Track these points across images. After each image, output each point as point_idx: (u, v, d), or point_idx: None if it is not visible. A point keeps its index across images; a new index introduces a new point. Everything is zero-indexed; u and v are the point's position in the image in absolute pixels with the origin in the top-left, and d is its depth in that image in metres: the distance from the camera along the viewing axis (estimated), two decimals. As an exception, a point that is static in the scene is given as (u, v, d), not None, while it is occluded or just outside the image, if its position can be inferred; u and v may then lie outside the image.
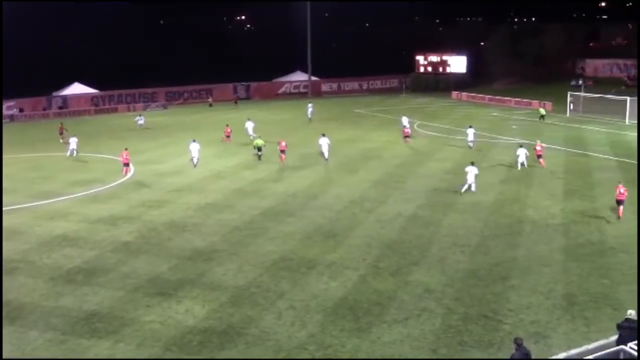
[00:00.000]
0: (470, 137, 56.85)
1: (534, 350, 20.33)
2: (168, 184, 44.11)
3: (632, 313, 20.23)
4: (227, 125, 60.26)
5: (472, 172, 41.73)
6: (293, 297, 25.64)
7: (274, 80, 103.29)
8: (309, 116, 74.02)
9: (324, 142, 50.94)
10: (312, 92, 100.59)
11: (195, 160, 49.45)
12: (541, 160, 48.72)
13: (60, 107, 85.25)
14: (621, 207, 36.54)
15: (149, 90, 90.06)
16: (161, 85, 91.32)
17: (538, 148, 49.18)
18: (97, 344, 21.99)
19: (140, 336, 22.52)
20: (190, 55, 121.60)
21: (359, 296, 25.74)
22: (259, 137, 53.21)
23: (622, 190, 36.70)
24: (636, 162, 49.57)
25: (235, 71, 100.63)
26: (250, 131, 58.81)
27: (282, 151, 49.98)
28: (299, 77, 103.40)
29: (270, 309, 24.61)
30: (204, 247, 31.30)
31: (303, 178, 45.21)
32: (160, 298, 25.57)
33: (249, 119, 61.08)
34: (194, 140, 50.58)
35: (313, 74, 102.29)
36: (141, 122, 68.65)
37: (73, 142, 54.46)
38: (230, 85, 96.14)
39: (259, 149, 51.23)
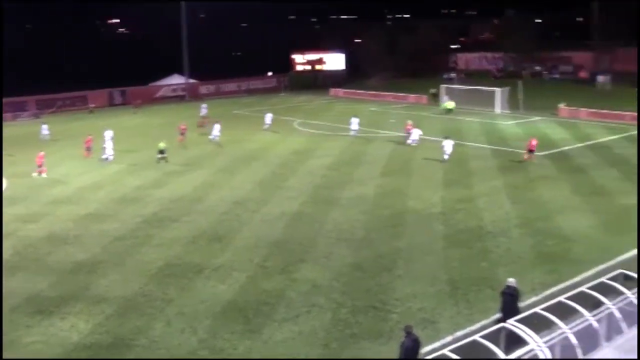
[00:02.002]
0: (354, 127, 59.76)
1: (422, 336, 20.87)
2: (45, 196, 42.39)
3: (511, 281, 22.17)
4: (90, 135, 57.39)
5: (448, 144, 48.74)
6: (181, 303, 25.31)
7: (151, 85, 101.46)
8: (204, 113, 74.22)
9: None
10: (190, 95, 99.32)
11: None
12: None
13: None
14: (532, 154, 48.14)
15: (18, 100, 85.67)
16: (31, 93, 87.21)
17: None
18: (-25, 370, 21.02)
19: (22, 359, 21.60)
20: (63, 61, 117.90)
21: (248, 297, 25.69)
22: (163, 141, 52.22)
23: (534, 143, 48.82)
24: (508, 149, 51.67)
25: (110, 76, 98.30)
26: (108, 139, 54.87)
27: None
28: (176, 80, 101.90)
29: (158, 317, 24.19)
30: (86, 260, 30.32)
31: (186, 182, 44.55)
32: (41, 316, 24.44)
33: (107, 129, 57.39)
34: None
35: (191, 76, 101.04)
36: (46, 132, 64.05)
37: None
38: (106, 91, 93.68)
39: (162, 152, 50.30)
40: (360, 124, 61.39)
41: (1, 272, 28.04)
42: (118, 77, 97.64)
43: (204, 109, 75.19)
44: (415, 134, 53.71)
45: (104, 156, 51.61)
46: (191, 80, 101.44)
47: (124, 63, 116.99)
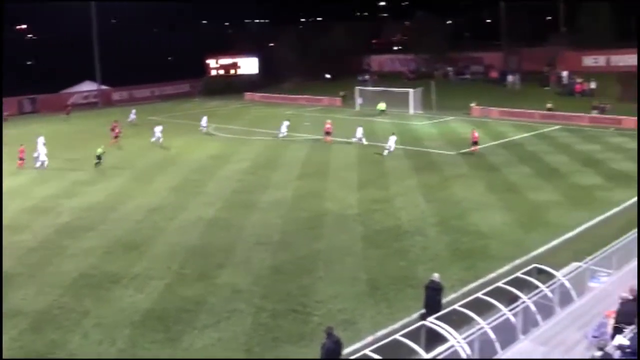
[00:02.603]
0: (283, 129, 61.23)
1: (343, 337, 20.91)
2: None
3: (435, 276, 22.59)
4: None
5: (392, 139, 51.95)
6: (98, 314, 24.72)
7: (62, 92, 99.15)
8: (132, 119, 74.43)
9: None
10: (103, 102, 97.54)
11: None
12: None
13: None
14: (476, 146, 51.62)
15: None
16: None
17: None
18: None
19: None
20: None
21: (167, 305, 25.30)
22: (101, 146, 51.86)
23: (476, 134, 52.54)
24: (422, 149, 52.51)
25: (19, 84, 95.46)
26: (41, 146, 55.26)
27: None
28: (88, 87, 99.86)
29: (75, 329, 23.55)
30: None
31: (99, 191, 43.62)
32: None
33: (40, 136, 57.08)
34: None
35: (103, 83, 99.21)
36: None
37: None
38: (15, 100, 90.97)
39: (99, 157, 50.43)
40: (288, 127, 62.13)
41: (1, 273, 27.45)
42: (27, 85, 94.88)
43: (132, 114, 74.60)
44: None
45: (37, 164, 50.94)
46: (103, 87, 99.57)
47: (33, 70, 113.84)
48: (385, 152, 51.28)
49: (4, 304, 25.84)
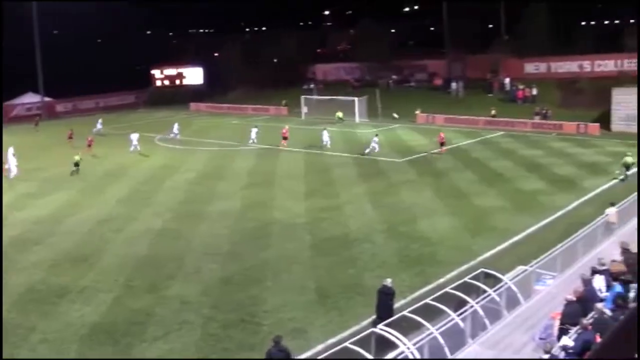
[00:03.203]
0: (253, 136, 61.45)
1: (294, 345, 21.04)
2: None
3: (388, 281, 23.10)
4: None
5: (375, 140, 54.73)
6: (45, 329, 24.35)
7: (4, 104, 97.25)
8: (99, 129, 72.86)
9: None
10: (46, 114, 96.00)
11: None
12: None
13: None
14: (442, 147, 54.36)
15: None
16: None
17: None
18: None
19: None
20: None
21: (115, 318, 25.04)
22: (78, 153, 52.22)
23: (442, 135, 55.43)
24: (369, 157, 52.90)
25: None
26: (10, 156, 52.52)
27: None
28: (31, 98, 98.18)
29: (22, 345, 23.17)
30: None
31: (47, 203, 42.93)
32: None
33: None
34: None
35: (46, 94, 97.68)
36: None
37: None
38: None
39: (76, 164, 51.38)
40: (258, 133, 62.44)
41: (1, 272, 27.21)
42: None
43: (99, 124, 73.71)
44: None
45: (11, 175, 50.90)
46: (47, 99, 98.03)
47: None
48: (367, 150, 54.40)
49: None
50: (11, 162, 51.56)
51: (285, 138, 60.48)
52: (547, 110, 69.24)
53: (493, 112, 71.62)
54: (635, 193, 30.44)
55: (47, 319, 25.22)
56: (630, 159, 43.22)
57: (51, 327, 24.47)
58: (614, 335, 10.35)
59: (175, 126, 67.86)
